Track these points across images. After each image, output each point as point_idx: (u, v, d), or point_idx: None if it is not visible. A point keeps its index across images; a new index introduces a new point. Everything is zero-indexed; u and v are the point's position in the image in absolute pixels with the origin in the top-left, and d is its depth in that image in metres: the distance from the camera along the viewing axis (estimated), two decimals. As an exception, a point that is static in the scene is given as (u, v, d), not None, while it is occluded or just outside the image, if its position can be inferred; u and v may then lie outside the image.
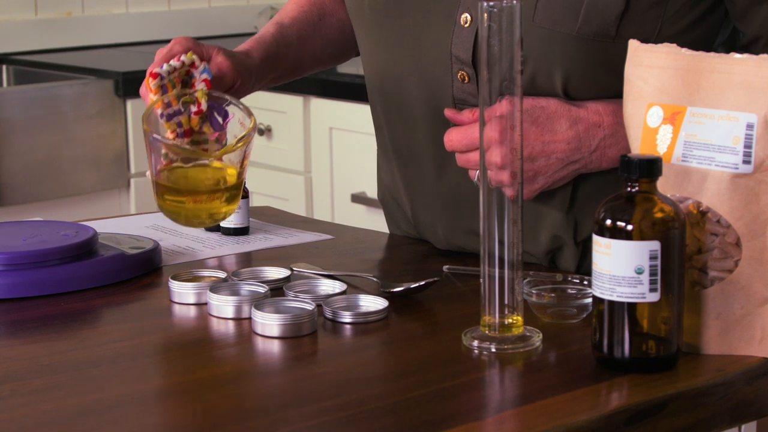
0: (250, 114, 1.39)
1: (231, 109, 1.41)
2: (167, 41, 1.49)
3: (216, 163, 1.39)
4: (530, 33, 1.35)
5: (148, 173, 1.39)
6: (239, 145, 1.35)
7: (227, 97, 1.41)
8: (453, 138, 1.39)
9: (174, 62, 1.40)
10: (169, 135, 1.38)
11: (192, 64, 1.41)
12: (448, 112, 1.41)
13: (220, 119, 1.40)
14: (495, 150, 1.19)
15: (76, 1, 3.47)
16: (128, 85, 2.98)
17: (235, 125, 1.40)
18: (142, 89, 1.41)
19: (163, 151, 1.36)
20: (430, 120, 1.46)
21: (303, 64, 1.61)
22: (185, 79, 1.41)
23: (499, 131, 1.17)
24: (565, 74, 1.37)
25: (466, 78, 1.41)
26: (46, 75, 3.16)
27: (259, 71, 1.52)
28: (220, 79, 1.45)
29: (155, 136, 1.35)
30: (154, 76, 1.39)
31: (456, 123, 1.40)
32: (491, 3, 1.14)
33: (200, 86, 1.41)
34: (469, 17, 1.39)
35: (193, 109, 1.39)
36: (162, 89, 1.39)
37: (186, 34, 1.44)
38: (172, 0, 3.63)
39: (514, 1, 1.14)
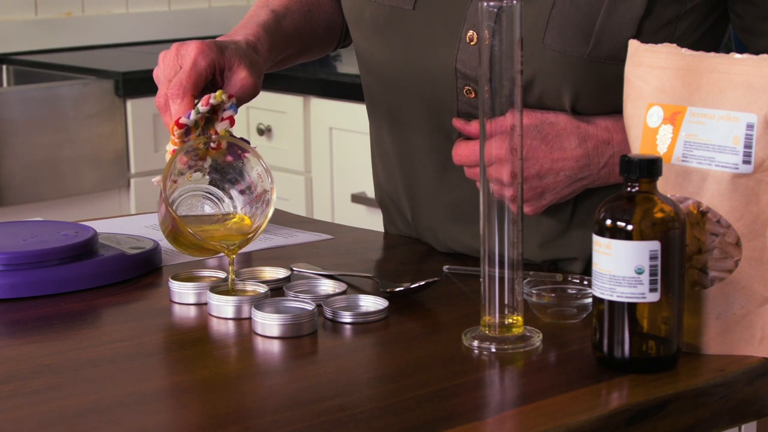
0: (269, 173, 1.35)
1: (251, 156, 1.37)
2: (167, 41, 1.47)
3: (233, 221, 1.38)
4: (540, 55, 1.35)
5: (154, 179, 1.37)
6: (261, 230, 1.33)
7: (249, 148, 1.36)
8: (461, 153, 1.39)
9: (201, 108, 1.34)
10: (184, 159, 1.36)
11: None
12: (457, 123, 1.40)
13: (238, 151, 1.38)
14: (501, 168, 1.18)
15: (76, 1, 3.47)
16: (128, 85, 2.98)
17: (253, 171, 1.36)
18: (160, 102, 1.37)
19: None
20: (434, 131, 1.45)
21: (292, 56, 1.58)
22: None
23: (505, 148, 1.17)
24: (574, 95, 1.36)
25: (473, 93, 1.40)
26: (46, 75, 3.16)
27: (265, 66, 1.49)
28: (241, 96, 1.40)
29: (177, 219, 1.30)
30: (181, 126, 1.34)
31: (463, 133, 1.40)
32: (491, 3, 1.14)
33: (224, 124, 1.36)
34: (474, 35, 1.38)
35: (212, 145, 1.36)
36: (186, 132, 1.34)
37: (186, 34, 1.41)
38: (172, 0, 3.63)
39: (514, 1, 1.14)
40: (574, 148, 1.35)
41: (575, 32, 1.34)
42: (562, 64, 1.34)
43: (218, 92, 1.35)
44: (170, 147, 1.36)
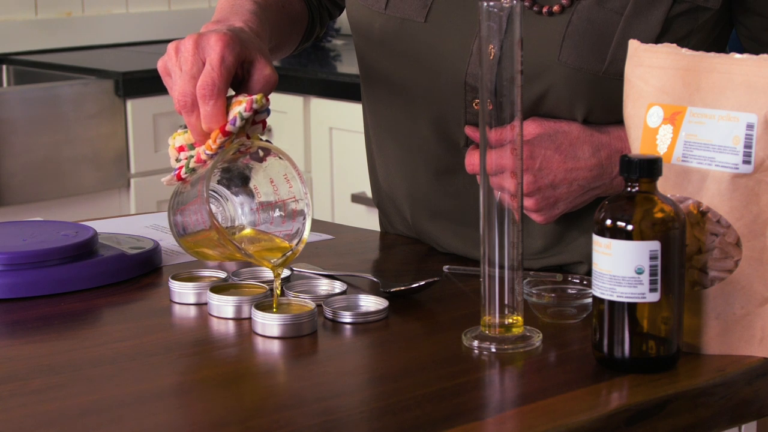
0: (301, 179, 1.28)
1: (275, 160, 1.30)
2: (167, 41, 1.43)
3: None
4: (555, 70, 1.34)
5: (164, 179, 1.32)
6: (299, 248, 1.28)
7: (280, 152, 1.28)
8: (475, 162, 1.38)
9: (245, 113, 1.24)
10: (201, 159, 1.29)
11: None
12: (469, 131, 1.40)
13: (261, 153, 1.30)
14: (510, 179, 1.17)
15: (76, 1, 3.47)
16: (128, 85, 2.98)
17: (279, 175, 1.30)
18: (185, 101, 1.26)
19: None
20: (439, 140, 1.44)
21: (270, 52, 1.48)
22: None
23: (513, 159, 1.16)
24: (587, 108, 1.35)
25: None
26: (46, 75, 3.16)
27: None
28: (266, 93, 1.30)
29: (227, 236, 1.24)
30: (227, 134, 1.25)
31: (476, 141, 1.39)
32: (491, 3, 1.14)
33: (256, 128, 1.28)
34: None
35: (242, 148, 1.28)
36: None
37: (186, 35, 1.35)
38: (172, 0, 3.63)
39: (514, 1, 1.14)
40: (588, 157, 1.35)
41: (590, 50, 1.33)
42: (577, 80, 1.34)
43: (259, 95, 1.25)
44: (177, 141, 1.31)
